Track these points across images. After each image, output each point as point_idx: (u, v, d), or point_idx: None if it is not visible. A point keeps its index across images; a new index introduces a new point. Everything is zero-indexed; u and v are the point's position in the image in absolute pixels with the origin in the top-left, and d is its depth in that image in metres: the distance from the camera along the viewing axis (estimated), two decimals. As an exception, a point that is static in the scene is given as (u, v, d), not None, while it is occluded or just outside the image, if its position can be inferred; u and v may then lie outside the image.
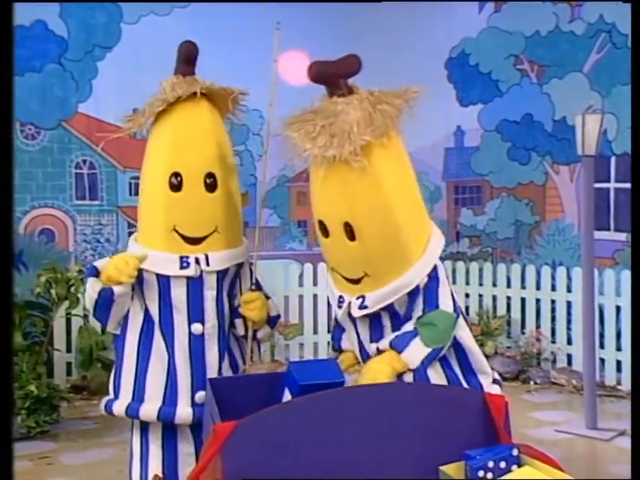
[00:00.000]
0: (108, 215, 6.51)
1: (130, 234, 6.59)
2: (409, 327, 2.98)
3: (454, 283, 7.02)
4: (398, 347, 2.89)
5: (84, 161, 6.41)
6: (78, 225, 6.41)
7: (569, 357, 6.35)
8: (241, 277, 3.35)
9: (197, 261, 3.13)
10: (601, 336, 5.98)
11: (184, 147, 3.22)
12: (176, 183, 3.14)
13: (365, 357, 3.13)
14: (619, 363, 5.96)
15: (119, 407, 3.17)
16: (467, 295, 6.97)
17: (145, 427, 3.23)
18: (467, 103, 7.27)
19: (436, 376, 2.98)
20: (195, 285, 3.14)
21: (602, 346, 5.96)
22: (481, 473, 2.20)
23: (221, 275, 3.22)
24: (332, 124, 2.89)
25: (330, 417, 2.24)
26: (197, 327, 3.15)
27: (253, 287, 3.26)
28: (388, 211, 3.01)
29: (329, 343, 6.89)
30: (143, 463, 3.25)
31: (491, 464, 2.21)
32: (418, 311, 3.04)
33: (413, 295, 3.08)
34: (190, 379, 3.14)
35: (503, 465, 2.23)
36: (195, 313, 3.15)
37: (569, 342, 6.35)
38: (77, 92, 6.31)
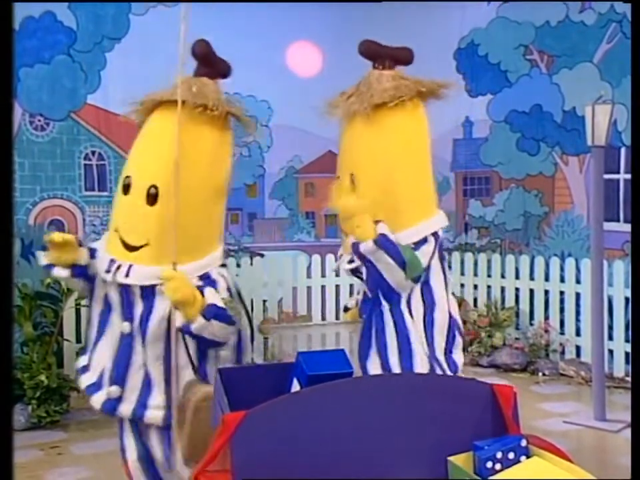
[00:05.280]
0: (117, 206, 6.53)
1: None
2: None
3: (462, 274, 7.04)
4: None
5: (93, 152, 6.43)
6: (87, 215, 6.43)
7: (578, 348, 6.35)
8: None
9: (118, 268, 3.08)
10: (610, 327, 5.98)
11: (139, 152, 3.22)
12: (127, 186, 3.14)
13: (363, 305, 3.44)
14: (627, 354, 5.95)
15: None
16: (475, 287, 6.97)
17: None
18: (476, 94, 7.25)
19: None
20: (124, 288, 3.12)
21: (611, 337, 5.95)
22: (489, 464, 2.20)
23: (148, 290, 3.10)
24: (366, 90, 3.34)
25: (339, 407, 2.24)
26: (124, 326, 3.13)
27: (172, 266, 3.01)
28: (388, 168, 3.34)
29: (337, 333, 6.92)
30: None
31: (499, 455, 2.22)
32: None
33: None
34: (110, 373, 3.16)
35: (511, 455, 2.24)
36: (127, 312, 3.13)
37: (578, 333, 6.34)
38: (85, 83, 6.31)
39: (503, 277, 6.86)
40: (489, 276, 6.95)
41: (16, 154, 5.87)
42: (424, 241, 3.29)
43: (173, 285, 2.96)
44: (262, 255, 6.91)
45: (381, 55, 3.44)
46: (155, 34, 6.37)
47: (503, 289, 6.84)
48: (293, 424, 2.18)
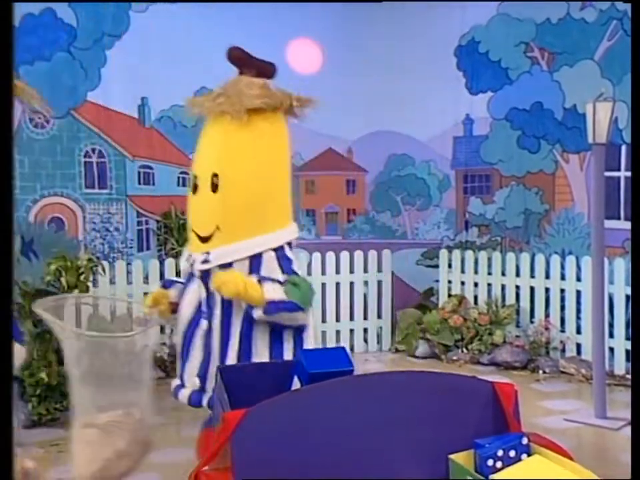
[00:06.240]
0: (117, 204, 6.52)
1: (139, 223, 6.71)
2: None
3: (462, 271, 7.03)
4: (262, 280, 3.39)
5: (93, 150, 6.42)
6: (87, 213, 6.42)
7: (578, 346, 6.34)
8: None
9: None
10: (611, 325, 5.97)
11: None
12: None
13: (206, 309, 3.58)
14: (628, 352, 5.94)
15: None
16: (476, 284, 6.96)
17: None
18: (477, 91, 7.22)
19: (262, 343, 3.45)
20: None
21: (611, 335, 5.95)
22: (490, 462, 2.20)
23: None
24: (234, 92, 3.44)
25: (339, 404, 2.24)
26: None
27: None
28: (255, 171, 3.48)
29: (337, 331, 6.92)
30: None
31: (500, 452, 2.22)
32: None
33: (254, 264, 3.47)
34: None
35: (512, 453, 2.24)
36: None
37: (578, 331, 6.34)
38: (85, 80, 6.30)
39: (503, 274, 6.84)
40: (490, 274, 6.94)
41: (16, 151, 5.86)
42: (282, 248, 3.55)
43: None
44: (262, 253, 6.89)
45: (247, 64, 3.56)
46: (154, 31, 6.37)
47: (503, 287, 6.83)
48: (294, 421, 2.18)
